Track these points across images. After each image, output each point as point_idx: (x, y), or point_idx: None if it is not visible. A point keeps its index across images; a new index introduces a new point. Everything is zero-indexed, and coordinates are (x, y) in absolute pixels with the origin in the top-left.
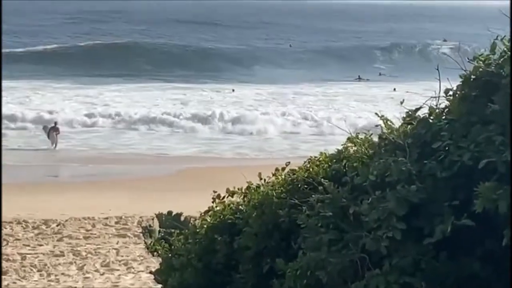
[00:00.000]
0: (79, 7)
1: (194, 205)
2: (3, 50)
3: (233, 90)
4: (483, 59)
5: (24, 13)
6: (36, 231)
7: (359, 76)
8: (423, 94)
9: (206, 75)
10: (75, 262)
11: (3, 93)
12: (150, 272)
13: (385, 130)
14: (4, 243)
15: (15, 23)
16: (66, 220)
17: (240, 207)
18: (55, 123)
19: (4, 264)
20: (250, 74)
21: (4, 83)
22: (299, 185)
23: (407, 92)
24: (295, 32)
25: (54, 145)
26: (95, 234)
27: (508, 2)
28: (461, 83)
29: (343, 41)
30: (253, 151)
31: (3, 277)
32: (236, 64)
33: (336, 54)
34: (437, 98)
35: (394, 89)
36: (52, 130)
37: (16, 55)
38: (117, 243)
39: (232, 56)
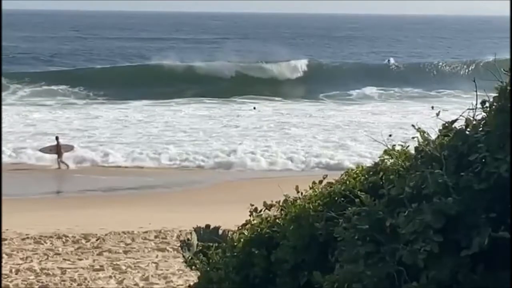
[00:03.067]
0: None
1: (231, 218)
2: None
3: (254, 108)
4: None
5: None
6: (76, 246)
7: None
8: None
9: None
10: (114, 276)
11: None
12: (189, 286)
13: (421, 142)
14: (44, 257)
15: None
16: (106, 235)
17: (277, 220)
18: (57, 137)
19: (44, 278)
20: None
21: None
22: (336, 198)
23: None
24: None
25: (59, 164)
26: (134, 248)
27: None
28: (497, 94)
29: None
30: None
31: None
32: None
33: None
34: (473, 110)
35: (432, 107)
36: (54, 148)
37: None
38: (156, 257)
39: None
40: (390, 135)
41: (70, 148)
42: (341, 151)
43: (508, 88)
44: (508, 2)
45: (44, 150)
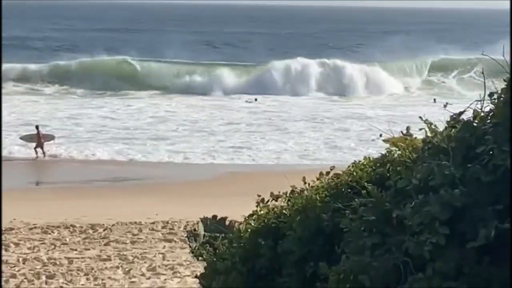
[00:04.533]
0: None
1: (238, 209)
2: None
3: (255, 99)
4: None
5: None
6: (83, 236)
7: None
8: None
9: None
10: (121, 266)
11: None
12: (196, 277)
13: (428, 134)
14: (51, 247)
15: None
16: (113, 225)
17: (284, 211)
18: (37, 127)
19: (51, 268)
20: None
21: None
22: (343, 189)
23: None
24: None
25: (36, 153)
26: (141, 238)
27: None
28: (505, 86)
29: None
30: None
31: (50, 281)
32: None
33: None
34: (481, 102)
35: (434, 100)
36: (35, 137)
37: None
38: (163, 248)
39: None
40: (380, 135)
41: (50, 137)
42: None
43: None
44: None
45: (24, 138)
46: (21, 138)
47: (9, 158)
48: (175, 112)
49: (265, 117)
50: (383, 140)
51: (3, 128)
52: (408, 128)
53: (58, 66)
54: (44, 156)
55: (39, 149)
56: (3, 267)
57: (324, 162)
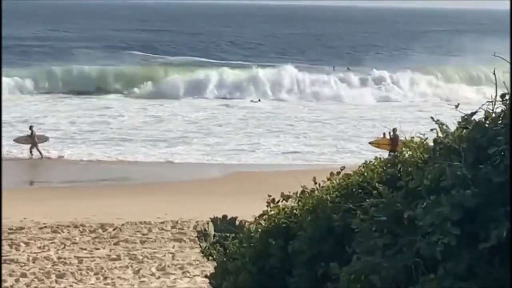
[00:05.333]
0: None
1: (248, 209)
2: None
3: (259, 100)
4: None
5: None
6: (93, 235)
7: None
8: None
9: None
10: (131, 266)
11: None
12: (206, 276)
13: (440, 135)
14: (61, 246)
15: None
16: (123, 224)
17: (295, 211)
18: (31, 127)
19: (61, 267)
20: None
21: None
22: (354, 190)
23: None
24: None
25: (31, 153)
26: (151, 238)
27: None
28: None
29: None
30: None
31: (60, 280)
32: None
33: None
34: (493, 103)
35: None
36: (29, 138)
37: None
38: (173, 247)
39: None
40: (383, 134)
41: (44, 139)
42: None
43: None
44: None
45: (19, 140)
46: (15, 140)
47: (10, 158)
48: (177, 112)
49: (269, 117)
50: (369, 143)
51: (3, 128)
52: (394, 130)
53: (59, 66)
54: (42, 157)
55: (34, 150)
56: (14, 266)
57: (330, 162)
